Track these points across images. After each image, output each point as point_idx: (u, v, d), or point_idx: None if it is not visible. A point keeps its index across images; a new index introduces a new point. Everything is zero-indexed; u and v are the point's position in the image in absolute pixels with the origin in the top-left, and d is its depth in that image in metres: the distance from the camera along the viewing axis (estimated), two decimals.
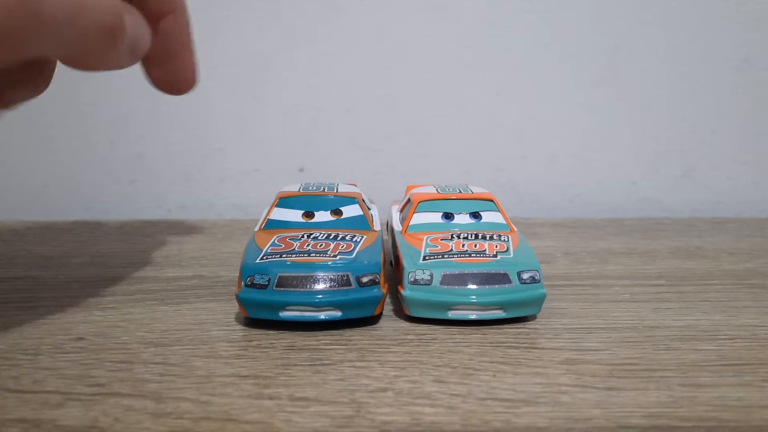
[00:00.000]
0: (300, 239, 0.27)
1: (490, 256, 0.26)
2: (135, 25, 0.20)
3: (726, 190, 0.52)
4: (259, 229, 0.29)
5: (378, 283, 0.25)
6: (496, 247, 0.27)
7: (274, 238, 0.27)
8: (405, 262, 0.26)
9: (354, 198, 0.30)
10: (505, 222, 0.30)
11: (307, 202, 0.30)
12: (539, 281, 0.25)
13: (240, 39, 0.48)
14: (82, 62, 0.20)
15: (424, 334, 0.24)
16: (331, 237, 0.27)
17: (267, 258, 0.25)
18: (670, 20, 0.49)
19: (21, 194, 0.50)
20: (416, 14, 0.49)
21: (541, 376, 0.21)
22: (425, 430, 0.17)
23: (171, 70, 0.24)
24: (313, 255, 0.25)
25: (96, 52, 0.19)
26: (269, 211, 0.29)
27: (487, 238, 0.28)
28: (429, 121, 0.50)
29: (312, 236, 0.27)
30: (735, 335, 0.24)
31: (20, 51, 0.17)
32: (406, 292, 0.25)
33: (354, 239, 0.27)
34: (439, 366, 0.21)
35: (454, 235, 0.28)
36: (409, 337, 0.24)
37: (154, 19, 0.23)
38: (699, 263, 0.35)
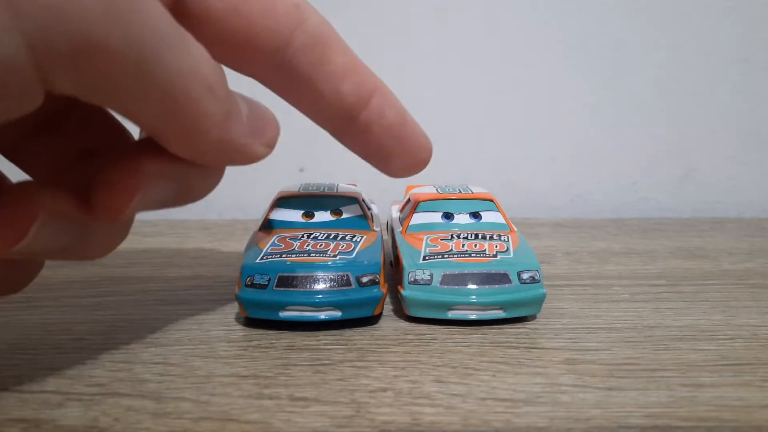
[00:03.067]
0: (300, 239, 0.27)
1: (490, 256, 0.26)
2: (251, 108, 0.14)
3: (726, 190, 0.52)
4: (259, 229, 0.29)
5: (378, 283, 0.25)
6: (496, 247, 0.27)
7: (274, 238, 0.27)
8: (405, 262, 0.26)
9: (354, 198, 0.30)
10: (505, 222, 0.30)
11: (307, 202, 0.30)
12: (539, 281, 0.25)
13: None
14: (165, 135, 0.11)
15: (424, 334, 0.24)
16: (331, 237, 0.27)
17: (267, 258, 0.25)
18: (670, 20, 0.49)
19: None
20: (417, 14, 0.49)
21: (541, 376, 0.21)
22: (425, 430, 0.17)
23: (405, 156, 0.19)
24: (313, 255, 0.25)
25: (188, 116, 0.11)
26: (269, 211, 0.29)
27: (487, 238, 0.28)
28: (429, 121, 0.50)
29: (312, 236, 0.27)
30: (735, 335, 0.24)
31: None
32: (406, 292, 0.25)
33: (354, 239, 0.27)
34: (439, 366, 0.21)
35: (454, 235, 0.28)
36: (409, 337, 0.24)
37: (355, 114, 0.18)
38: (699, 263, 0.35)
